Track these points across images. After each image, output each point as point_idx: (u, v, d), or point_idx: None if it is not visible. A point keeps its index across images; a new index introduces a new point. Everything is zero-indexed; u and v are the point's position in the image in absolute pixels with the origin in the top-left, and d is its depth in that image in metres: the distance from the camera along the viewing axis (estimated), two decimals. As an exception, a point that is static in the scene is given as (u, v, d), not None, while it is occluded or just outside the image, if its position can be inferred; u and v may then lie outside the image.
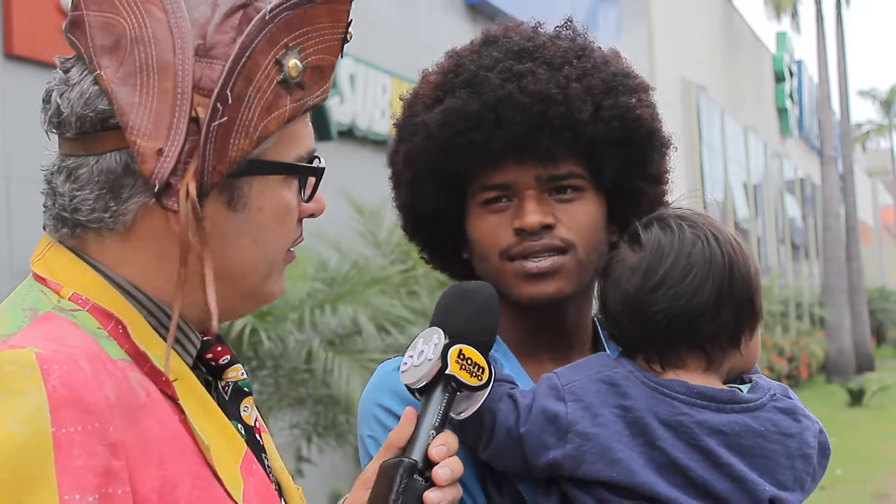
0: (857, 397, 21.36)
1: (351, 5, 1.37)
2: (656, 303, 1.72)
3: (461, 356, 1.57)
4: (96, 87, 1.28)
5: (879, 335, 41.79)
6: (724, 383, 1.77)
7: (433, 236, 1.96)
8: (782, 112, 36.92)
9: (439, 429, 1.55)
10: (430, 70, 1.92)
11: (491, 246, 1.83)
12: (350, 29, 1.38)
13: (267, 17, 1.29)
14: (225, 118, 1.26)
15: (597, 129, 1.80)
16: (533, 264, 1.80)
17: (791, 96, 37.38)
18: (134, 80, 1.26)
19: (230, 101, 1.26)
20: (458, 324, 1.62)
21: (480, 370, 1.58)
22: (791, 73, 37.47)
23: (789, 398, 1.78)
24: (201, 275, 1.29)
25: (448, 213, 1.89)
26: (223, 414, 1.37)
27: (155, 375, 1.29)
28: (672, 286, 1.71)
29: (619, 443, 1.68)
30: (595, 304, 1.91)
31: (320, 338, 7.37)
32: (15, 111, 6.94)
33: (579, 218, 1.82)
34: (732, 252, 1.74)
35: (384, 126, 11.81)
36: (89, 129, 1.29)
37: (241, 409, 1.45)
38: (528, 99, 1.78)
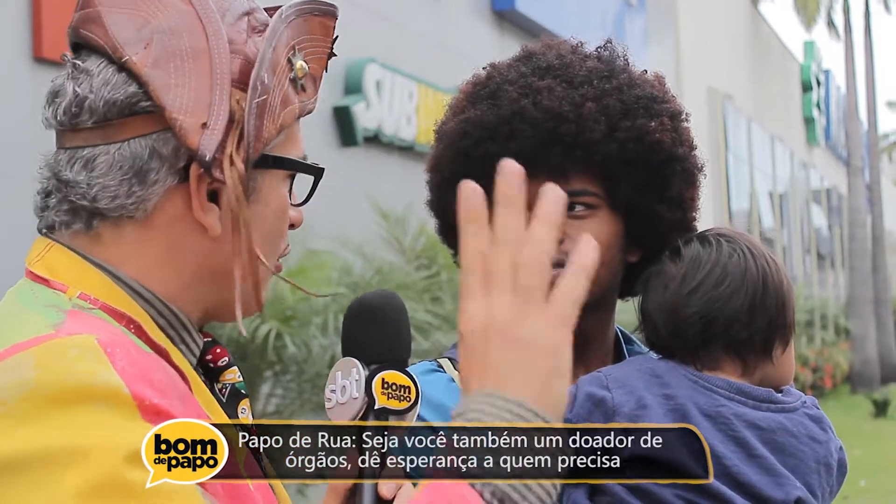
0: (881, 408, 21.21)
1: (336, 22, 1.45)
2: (692, 306, 1.80)
3: (385, 385, 1.51)
4: (122, 74, 1.31)
5: (905, 346, 41.45)
6: None
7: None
8: (809, 121, 36.73)
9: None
10: (469, 79, 1.96)
11: None
12: (335, 47, 1.46)
13: (282, 17, 1.36)
14: (264, 97, 1.32)
15: (610, 150, 1.81)
16: None
17: (818, 106, 37.19)
18: (167, 65, 1.30)
19: (266, 83, 1.32)
20: (371, 349, 1.55)
21: (406, 390, 1.52)
22: (818, 83, 37.28)
23: (818, 409, 1.86)
24: (230, 257, 1.32)
25: None
26: (225, 415, 1.39)
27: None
28: (707, 291, 1.81)
29: None
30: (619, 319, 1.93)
31: (344, 343, 7.38)
32: (43, 114, 6.98)
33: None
34: (767, 266, 1.84)
35: (410, 132, 11.82)
36: (115, 116, 1.30)
37: (239, 410, 1.46)
38: (540, 114, 1.81)
